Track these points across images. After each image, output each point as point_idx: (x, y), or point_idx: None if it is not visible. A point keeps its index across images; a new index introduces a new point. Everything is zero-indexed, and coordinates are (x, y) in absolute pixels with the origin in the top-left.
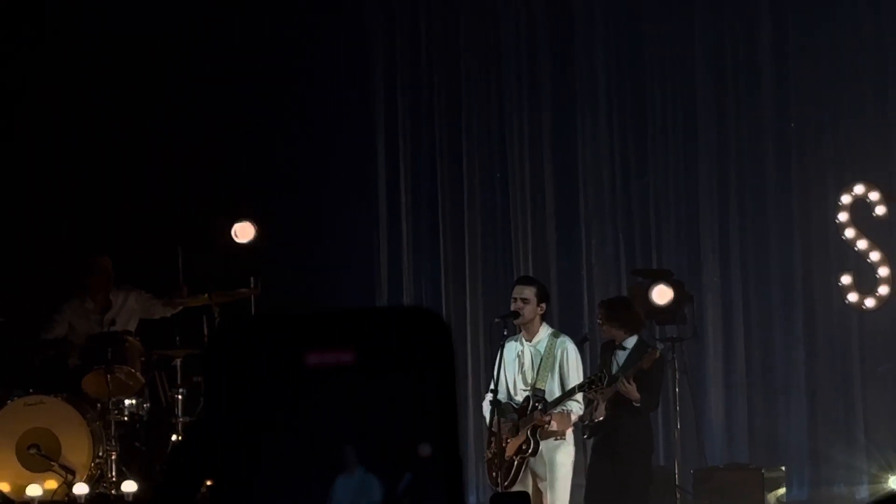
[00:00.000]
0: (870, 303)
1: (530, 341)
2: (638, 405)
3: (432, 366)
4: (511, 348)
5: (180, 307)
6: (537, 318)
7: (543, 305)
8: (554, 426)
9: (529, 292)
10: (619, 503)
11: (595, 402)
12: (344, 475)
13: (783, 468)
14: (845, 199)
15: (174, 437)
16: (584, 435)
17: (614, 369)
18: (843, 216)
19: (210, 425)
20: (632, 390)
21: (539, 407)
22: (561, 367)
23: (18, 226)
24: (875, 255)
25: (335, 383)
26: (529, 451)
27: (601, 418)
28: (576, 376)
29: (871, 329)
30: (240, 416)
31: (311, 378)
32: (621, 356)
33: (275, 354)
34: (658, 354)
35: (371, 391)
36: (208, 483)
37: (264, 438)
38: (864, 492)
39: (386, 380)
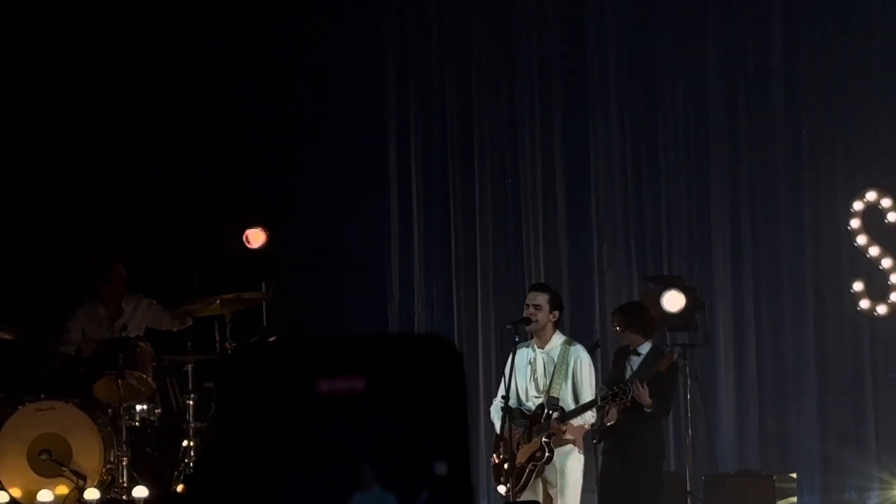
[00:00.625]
0: (881, 309)
1: (542, 348)
2: (649, 410)
3: (444, 393)
4: (522, 354)
5: (188, 322)
6: (550, 326)
7: (556, 313)
8: (569, 436)
9: (542, 299)
10: None
11: (606, 406)
12: (361, 492)
13: (794, 475)
14: (857, 205)
15: (185, 443)
16: (594, 440)
17: (628, 374)
18: (855, 222)
19: (222, 450)
20: (644, 394)
21: (555, 415)
22: (574, 376)
23: (29, 231)
24: (887, 262)
25: (347, 409)
26: (544, 458)
27: (612, 423)
28: (589, 385)
29: (883, 336)
30: (252, 440)
31: (323, 403)
32: (635, 362)
33: (286, 380)
34: (675, 357)
35: (383, 417)
36: None
37: (277, 460)
38: (874, 498)
39: (397, 406)
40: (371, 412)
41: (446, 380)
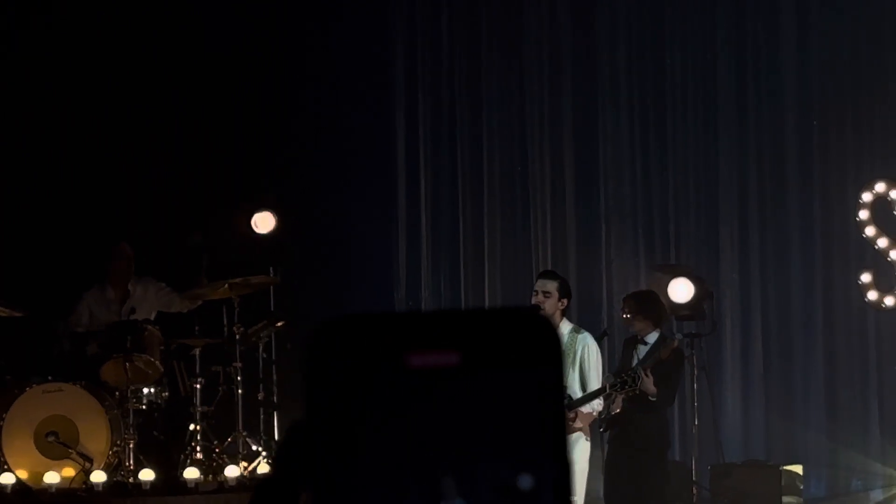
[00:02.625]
0: (889, 301)
1: None
2: (653, 399)
3: (539, 370)
4: None
5: (199, 302)
6: (558, 313)
7: (565, 301)
8: (578, 424)
9: (552, 287)
10: (636, 498)
11: (613, 394)
12: None
13: (800, 466)
14: (866, 196)
15: (192, 427)
16: (601, 429)
17: (634, 363)
18: (863, 214)
19: (311, 428)
20: (649, 383)
21: (564, 403)
22: (582, 363)
23: (39, 214)
24: (895, 254)
25: (438, 387)
26: None
27: (617, 411)
28: (596, 373)
29: (890, 328)
30: (340, 420)
31: (414, 380)
32: (642, 351)
33: (377, 354)
34: (676, 344)
35: (475, 396)
36: (307, 493)
37: (365, 446)
38: (879, 489)
39: (491, 383)
40: (461, 393)
41: (541, 356)
